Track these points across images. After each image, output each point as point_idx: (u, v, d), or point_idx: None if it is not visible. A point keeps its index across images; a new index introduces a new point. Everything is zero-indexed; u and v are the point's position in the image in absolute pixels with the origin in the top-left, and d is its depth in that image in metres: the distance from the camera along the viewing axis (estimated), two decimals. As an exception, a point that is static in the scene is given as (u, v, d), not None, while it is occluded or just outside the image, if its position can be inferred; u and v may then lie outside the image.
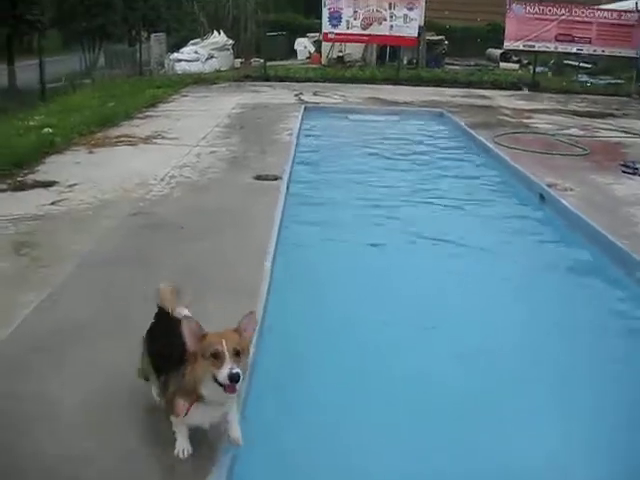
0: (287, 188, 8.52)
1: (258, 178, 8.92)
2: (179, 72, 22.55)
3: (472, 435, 4.17)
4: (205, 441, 3.44)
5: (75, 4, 27.19)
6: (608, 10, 22.09)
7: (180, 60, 23.62)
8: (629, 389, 4.81)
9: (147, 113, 14.35)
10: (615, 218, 7.78)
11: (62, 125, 11.66)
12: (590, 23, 21.34)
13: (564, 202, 8.35)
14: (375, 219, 8.27)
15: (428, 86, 20.92)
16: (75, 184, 8.35)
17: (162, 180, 8.70)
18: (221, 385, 2.99)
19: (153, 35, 23.48)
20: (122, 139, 11.32)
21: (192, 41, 25.60)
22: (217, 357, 2.98)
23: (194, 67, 23.29)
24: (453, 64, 28.07)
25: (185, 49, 24.72)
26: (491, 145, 11.76)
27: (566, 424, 4.34)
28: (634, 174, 9.99)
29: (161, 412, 3.50)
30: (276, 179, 8.85)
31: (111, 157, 10.10)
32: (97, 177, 8.68)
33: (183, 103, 16.28)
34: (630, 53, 21.49)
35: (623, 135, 13.86)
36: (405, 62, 25.06)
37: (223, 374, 2.95)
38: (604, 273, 6.75)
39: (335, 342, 5.14)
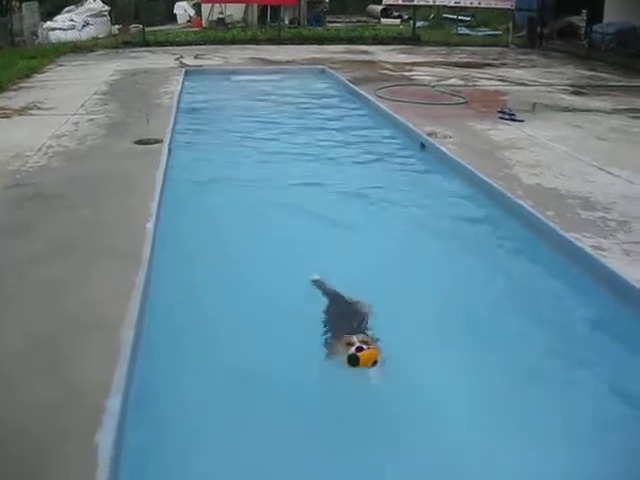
0: (169, 151, 8.36)
1: (139, 143, 8.71)
2: (54, 41, 21.73)
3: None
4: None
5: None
6: (483, -37, 22.51)
7: (55, 29, 22.72)
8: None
9: (21, 85, 13.77)
10: (491, 161, 8.02)
11: None
12: (466, -24, 21.74)
13: (443, 149, 8.54)
14: (258, 173, 8.28)
15: (311, 44, 20.93)
16: (-54, 161, 7.97)
17: (39, 151, 8.39)
18: None
19: (25, 4, 22.54)
20: (-5, 112, 10.89)
21: (67, 8, 24.61)
22: None
23: (70, 35, 22.46)
24: (335, 22, 28.11)
25: (59, 17, 23.73)
26: (372, 98, 11.85)
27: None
28: (510, 120, 10.29)
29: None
30: (157, 142, 8.67)
31: (-17, 132, 9.71)
32: (-31, 153, 8.32)
33: (59, 73, 15.71)
34: (506, 5, 21.97)
35: (501, 83, 14.26)
36: (287, 22, 25.02)
37: None
38: (484, 213, 6.97)
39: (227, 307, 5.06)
